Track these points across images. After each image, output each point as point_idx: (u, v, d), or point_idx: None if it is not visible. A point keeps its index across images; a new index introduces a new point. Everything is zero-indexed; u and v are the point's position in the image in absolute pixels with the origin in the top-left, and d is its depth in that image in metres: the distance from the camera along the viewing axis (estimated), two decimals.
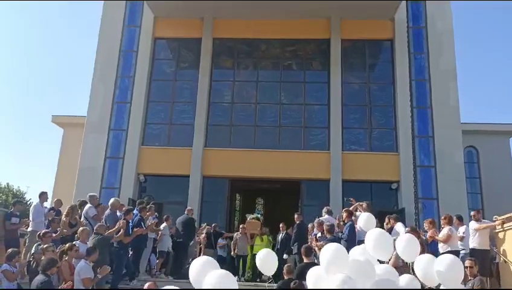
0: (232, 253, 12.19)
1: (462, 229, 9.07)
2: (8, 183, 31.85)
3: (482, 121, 23.74)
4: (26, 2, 57.31)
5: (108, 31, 17.91)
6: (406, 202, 15.07)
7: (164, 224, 10.96)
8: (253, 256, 11.82)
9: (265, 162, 15.97)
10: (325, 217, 10.20)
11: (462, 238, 8.87)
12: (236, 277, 11.15)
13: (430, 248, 8.65)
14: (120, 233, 8.66)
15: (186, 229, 10.77)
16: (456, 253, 7.76)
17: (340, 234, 8.98)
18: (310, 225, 10.20)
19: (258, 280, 10.95)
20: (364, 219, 6.89)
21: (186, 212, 11.36)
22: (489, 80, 61.59)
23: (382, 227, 10.14)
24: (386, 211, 11.90)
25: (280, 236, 11.54)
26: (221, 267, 4.17)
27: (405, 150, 15.63)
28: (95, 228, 8.59)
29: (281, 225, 11.78)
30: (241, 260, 12.06)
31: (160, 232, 10.69)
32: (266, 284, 8.70)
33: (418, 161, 15.53)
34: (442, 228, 9.48)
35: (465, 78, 53.78)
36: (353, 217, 9.15)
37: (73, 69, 68.56)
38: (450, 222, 8.87)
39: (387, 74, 17.18)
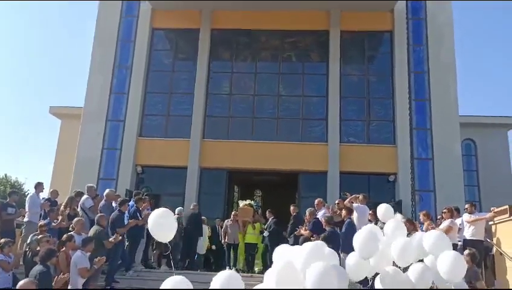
0: (222, 241, 11.66)
1: (458, 221, 9.14)
2: (6, 174, 31.89)
3: (480, 114, 23.64)
4: (26, 2, 56.79)
5: (105, 21, 17.74)
6: (403, 194, 15.07)
7: None
8: (246, 245, 11.47)
9: (263, 153, 15.93)
10: (323, 211, 10.21)
11: (458, 230, 8.95)
12: (227, 268, 10.70)
13: None
14: (111, 240, 8.39)
15: (190, 223, 10.79)
16: (454, 246, 7.80)
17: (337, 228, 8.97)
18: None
19: (249, 271, 10.69)
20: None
21: (192, 207, 11.51)
22: (488, 72, 61.45)
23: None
24: (383, 203, 11.84)
25: (269, 222, 11.15)
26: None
27: (403, 143, 15.58)
28: (96, 219, 8.53)
29: (267, 212, 11.45)
30: (231, 248, 11.46)
31: None
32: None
33: (415, 154, 15.51)
34: (439, 219, 9.54)
35: (463, 71, 53.66)
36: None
37: (72, 65, 68.20)
38: (451, 215, 8.93)
39: (386, 66, 17.07)
